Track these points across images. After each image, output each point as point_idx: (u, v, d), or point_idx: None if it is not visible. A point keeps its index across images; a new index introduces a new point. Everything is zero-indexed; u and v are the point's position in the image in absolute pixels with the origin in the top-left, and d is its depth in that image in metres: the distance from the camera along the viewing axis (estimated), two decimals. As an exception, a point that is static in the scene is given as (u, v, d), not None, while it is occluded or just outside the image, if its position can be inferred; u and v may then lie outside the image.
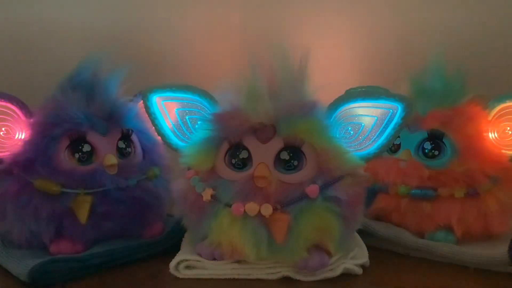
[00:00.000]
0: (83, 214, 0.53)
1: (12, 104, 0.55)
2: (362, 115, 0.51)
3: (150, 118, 0.56)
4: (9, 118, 0.55)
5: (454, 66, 0.58)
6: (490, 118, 0.58)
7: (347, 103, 0.51)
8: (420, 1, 0.77)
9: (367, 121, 0.51)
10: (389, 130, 0.51)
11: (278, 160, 0.49)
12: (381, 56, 0.75)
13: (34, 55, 0.77)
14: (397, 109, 0.50)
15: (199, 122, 0.55)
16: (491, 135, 0.58)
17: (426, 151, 0.58)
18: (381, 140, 0.51)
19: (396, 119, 0.50)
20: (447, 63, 0.58)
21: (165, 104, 0.56)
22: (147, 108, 0.56)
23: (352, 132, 0.52)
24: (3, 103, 0.54)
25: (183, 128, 0.56)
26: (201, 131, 0.52)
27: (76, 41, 0.75)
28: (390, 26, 0.76)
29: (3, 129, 0.55)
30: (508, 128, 0.57)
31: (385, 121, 0.51)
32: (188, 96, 0.55)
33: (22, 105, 0.55)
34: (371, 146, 0.52)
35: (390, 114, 0.51)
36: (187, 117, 0.56)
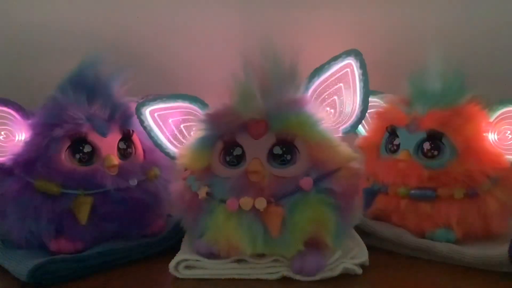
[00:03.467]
0: (83, 215, 0.53)
1: (8, 107, 0.55)
2: (329, 90, 0.54)
3: (145, 131, 0.57)
4: (7, 122, 0.55)
5: (453, 67, 0.57)
6: (491, 120, 0.58)
7: (309, 84, 0.53)
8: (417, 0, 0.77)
9: (337, 92, 0.54)
10: (357, 86, 0.53)
11: (271, 155, 0.50)
12: (378, 56, 0.75)
13: (34, 55, 0.77)
14: (351, 64, 0.53)
15: (194, 129, 0.55)
16: (491, 137, 0.58)
17: (425, 151, 0.58)
18: (358, 99, 0.54)
19: (357, 72, 0.53)
20: (446, 63, 0.58)
21: (158, 116, 0.57)
22: (141, 121, 0.57)
23: (332, 110, 0.54)
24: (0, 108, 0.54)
25: (179, 136, 0.57)
26: (196, 133, 0.53)
27: (76, 41, 0.75)
28: (387, 25, 0.77)
29: (2, 133, 0.55)
30: (509, 132, 0.57)
31: (350, 81, 0.53)
32: (179, 104, 0.56)
33: (18, 108, 0.55)
34: (355, 112, 0.54)
35: (349, 72, 0.53)
36: (181, 126, 0.57)
